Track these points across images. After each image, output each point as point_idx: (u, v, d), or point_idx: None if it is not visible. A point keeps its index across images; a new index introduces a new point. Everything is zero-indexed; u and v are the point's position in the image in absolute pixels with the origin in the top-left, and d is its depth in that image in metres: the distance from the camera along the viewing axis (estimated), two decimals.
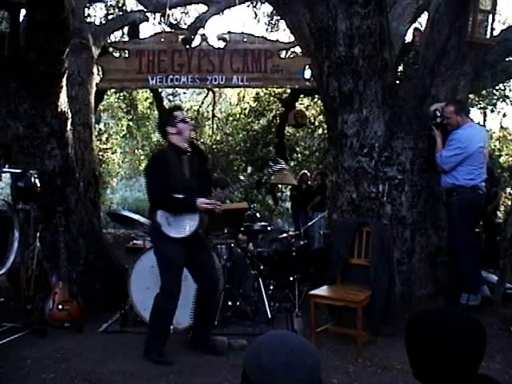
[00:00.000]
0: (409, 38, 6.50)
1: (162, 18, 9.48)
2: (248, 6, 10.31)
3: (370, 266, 3.98)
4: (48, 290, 4.43)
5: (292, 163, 12.95)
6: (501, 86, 9.59)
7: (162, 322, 3.63)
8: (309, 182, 9.55)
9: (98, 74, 6.18)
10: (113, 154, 13.77)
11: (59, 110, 4.74)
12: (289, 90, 10.15)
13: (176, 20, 10.25)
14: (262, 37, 5.97)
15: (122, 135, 13.65)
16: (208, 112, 13.25)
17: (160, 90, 10.54)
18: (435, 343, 1.31)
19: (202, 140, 12.97)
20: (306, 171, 10.06)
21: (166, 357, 3.58)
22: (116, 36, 9.87)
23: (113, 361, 3.60)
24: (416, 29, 6.61)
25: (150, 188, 3.58)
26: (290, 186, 10.86)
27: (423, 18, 6.68)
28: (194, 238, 3.58)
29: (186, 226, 3.54)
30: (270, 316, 4.48)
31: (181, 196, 3.50)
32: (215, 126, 13.12)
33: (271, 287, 5.04)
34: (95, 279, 4.96)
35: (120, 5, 10.26)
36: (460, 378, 1.32)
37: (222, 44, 5.68)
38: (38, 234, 4.44)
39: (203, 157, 3.94)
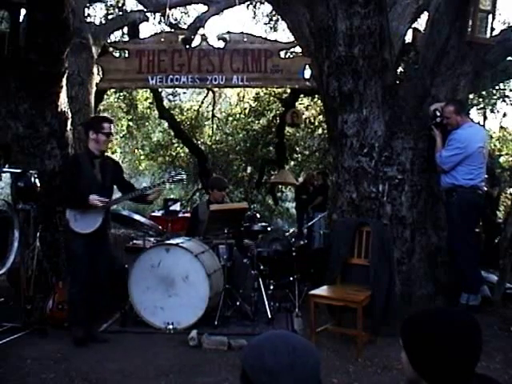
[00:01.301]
0: (409, 38, 6.48)
1: (162, 18, 9.48)
2: (248, 6, 10.31)
3: (370, 266, 3.98)
4: (48, 290, 4.43)
5: (292, 163, 12.95)
6: (501, 85, 9.58)
7: (73, 307, 4.03)
8: (315, 183, 9.43)
9: (98, 74, 6.17)
10: (113, 153, 13.77)
11: (59, 109, 4.74)
12: (289, 90, 10.14)
13: (176, 20, 10.24)
14: (262, 37, 5.97)
15: (121, 135, 13.64)
16: (208, 112, 13.26)
17: (160, 89, 10.53)
18: (433, 342, 1.31)
19: (201, 140, 12.97)
20: (313, 172, 10.01)
21: (79, 341, 3.89)
22: (116, 36, 9.87)
23: (113, 361, 3.60)
24: (416, 29, 6.59)
25: (63, 185, 4.12)
26: (293, 189, 10.85)
27: (423, 18, 6.68)
28: (98, 233, 3.96)
29: (91, 222, 3.91)
30: (270, 316, 4.48)
31: (78, 193, 3.89)
32: (215, 126, 13.12)
33: (271, 287, 5.04)
34: None
35: (120, 5, 10.25)
36: (459, 376, 1.32)
37: (221, 44, 5.67)
38: (38, 234, 4.44)
39: (118, 167, 4.32)
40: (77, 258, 3.96)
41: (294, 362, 1.14)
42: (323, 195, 8.88)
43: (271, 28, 10.85)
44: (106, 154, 4.19)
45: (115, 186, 4.25)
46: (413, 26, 6.33)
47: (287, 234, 5.76)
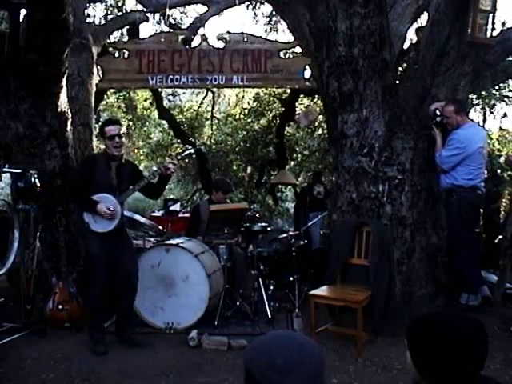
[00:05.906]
0: (409, 38, 6.48)
1: (162, 18, 9.47)
2: (248, 7, 10.31)
3: (370, 266, 3.98)
4: (48, 290, 4.42)
5: (292, 163, 12.94)
6: (501, 85, 9.56)
7: (95, 312, 3.92)
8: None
9: (98, 74, 6.16)
10: None
11: (59, 109, 4.75)
12: (289, 90, 10.14)
13: (175, 20, 10.24)
14: (262, 37, 5.96)
15: None
16: (207, 112, 13.25)
17: (160, 90, 10.52)
18: (439, 344, 1.32)
19: (201, 140, 12.96)
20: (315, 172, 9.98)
21: (100, 347, 3.76)
22: (116, 36, 9.86)
23: (113, 361, 3.60)
24: (422, 27, 6.56)
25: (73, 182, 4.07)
26: (293, 189, 10.80)
27: (423, 18, 6.66)
28: (118, 233, 3.90)
29: (109, 220, 3.81)
30: (270, 316, 4.48)
31: (92, 198, 3.78)
32: (214, 126, 13.11)
33: (271, 287, 5.04)
34: None
35: (120, 5, 10.24)
36: (463, 378, 1.32)
37: (221, 44, 5.67)
38: (38, 234, 4.44)
39: (137, 170, 4.23)
40: (97, 259, 3.82)
41: (303, 358, 1.15)
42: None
43: (271, 28, 10.86)
44: (124, 157, 4.00)
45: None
46: (416, 25, 6.33)
47: (285, 234, 5.73)
